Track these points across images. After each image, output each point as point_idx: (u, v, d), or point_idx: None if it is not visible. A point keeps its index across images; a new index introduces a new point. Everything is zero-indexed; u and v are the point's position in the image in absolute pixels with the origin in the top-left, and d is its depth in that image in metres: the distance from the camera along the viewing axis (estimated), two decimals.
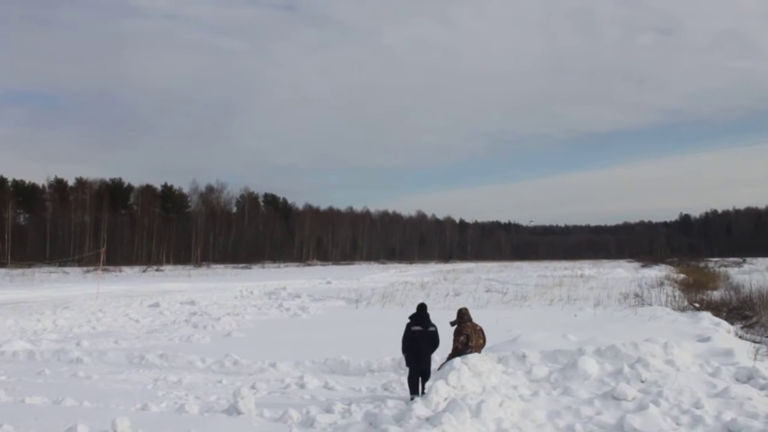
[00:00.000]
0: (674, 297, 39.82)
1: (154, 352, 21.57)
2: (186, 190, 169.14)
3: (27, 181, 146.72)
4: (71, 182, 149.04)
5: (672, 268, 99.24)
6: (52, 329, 29.80)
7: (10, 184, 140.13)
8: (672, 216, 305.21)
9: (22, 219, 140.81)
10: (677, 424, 12.30)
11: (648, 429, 11.96)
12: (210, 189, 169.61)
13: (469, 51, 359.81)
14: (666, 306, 34.38)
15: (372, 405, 14.56)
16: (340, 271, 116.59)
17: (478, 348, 15.86)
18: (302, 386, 17.20)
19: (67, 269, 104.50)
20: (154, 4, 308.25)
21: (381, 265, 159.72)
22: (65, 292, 56.60)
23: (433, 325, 15.52)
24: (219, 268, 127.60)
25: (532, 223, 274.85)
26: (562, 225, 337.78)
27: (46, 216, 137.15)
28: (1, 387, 16.93)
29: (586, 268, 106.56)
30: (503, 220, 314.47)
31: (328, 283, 69.48)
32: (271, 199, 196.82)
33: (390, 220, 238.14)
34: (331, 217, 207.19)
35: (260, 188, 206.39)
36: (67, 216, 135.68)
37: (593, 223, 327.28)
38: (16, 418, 13.61)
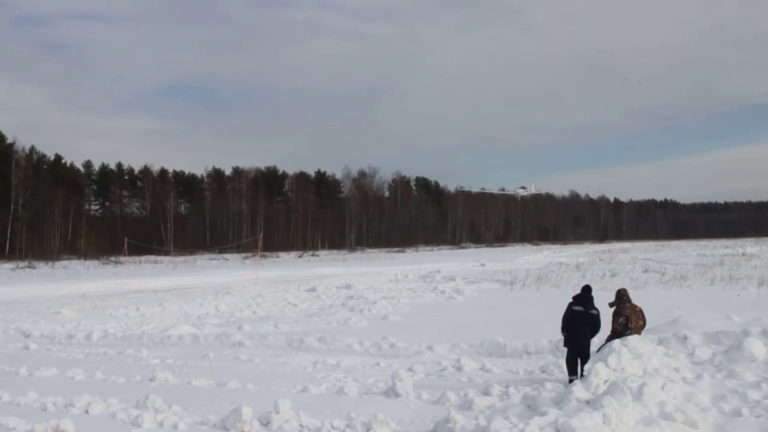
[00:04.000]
0: None
1: (312, 335, 21.93)
2: (339, 176, 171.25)
3: (186, 172, 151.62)
4: (228, 172, 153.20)
5: None
6: (215, 314, 30.73)
7: (170, 175, 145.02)
8: None
9: (183, 208, 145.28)
10: None
11: None
12: (362, 174, 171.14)
13: (620, 25, 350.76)
14: None
15: (530, 387, 14.42)
16: (493, 253, 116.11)
17: (638, 329, 15.47)
18: (459, 369, 17.18)
19: (226, 256, 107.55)
20: None
21: (534, 247, 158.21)
22: (226, 278, 58.29)
23: (596, 309, 15.22)
24: (373, 253, 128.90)
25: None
26: (722, 202, 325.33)
27: (206, 205, 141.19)
28: (169, 369, 17.55)
29: (748, 246, 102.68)
30: (659, 197, 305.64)
31: (482, 265, 69.31)
32: (423, 183, 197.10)
33: (543, 201, 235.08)
34: (483, 199, 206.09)
35: (412, 172, 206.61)
36: (225, 204, 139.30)
37: (755, 198, 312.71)
38: (184, 399, 14.10)
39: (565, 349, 15.36)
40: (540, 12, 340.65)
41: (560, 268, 55.81)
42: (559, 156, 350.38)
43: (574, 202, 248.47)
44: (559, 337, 15.83)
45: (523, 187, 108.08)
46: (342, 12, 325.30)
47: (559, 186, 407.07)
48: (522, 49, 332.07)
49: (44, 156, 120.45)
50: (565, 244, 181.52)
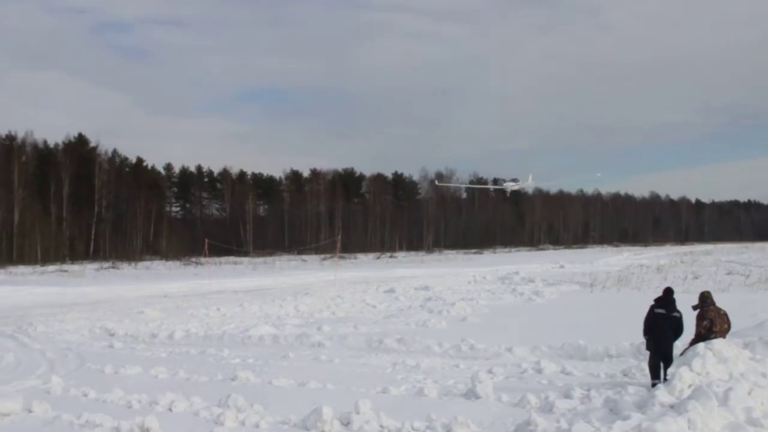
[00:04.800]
0: None
1: (391, 336, 21.99)
2: (416, 177, 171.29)
3: (265, 174, 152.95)
4: (306, 173, 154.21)
5: None
6: (294, 314, 31.00)
7: (249, 177, 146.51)
8: None
9: (261, 210, 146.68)
10: None
11: None
12: (439, 176, 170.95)
13: (698, 22, 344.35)
14: None
15: (612, 391, 14.23)
16: (572, 254, 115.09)
17: (723, 333, 15.17)
18: (539, 371, 17.06)
19: (305, 257, 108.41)
20: None
21: (614, 248, 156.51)
22: (304, 279, 58.80)
23: (678, 311, 14.95)
24: (450, 254, 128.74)
25: None
26: None
27: (284, 206, 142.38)
28: (250, 369, 17.75)
29: None
30: (742, 198, 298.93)
31: (561, 267, 68.70)
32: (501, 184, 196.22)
33: (622, 201, 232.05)
34: (562, 200, 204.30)
35: (489, 173, 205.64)
36: (303, 206, 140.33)
37: None
38: (265, 399, 14.25)
39: (648, 353, 15.13)
40: (617, 11, 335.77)
41: (641, 270, 55.05)
42: (638, 156, 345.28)
43: (654, 203, 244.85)
44: (641, 340, 15.61)
45: (514, 180, 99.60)
46: (418, 14, 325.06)
47: (638, 187, 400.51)
48: (599, 48, 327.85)
49: (126, 159, 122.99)
50: (645, 245, 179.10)
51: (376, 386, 15.61)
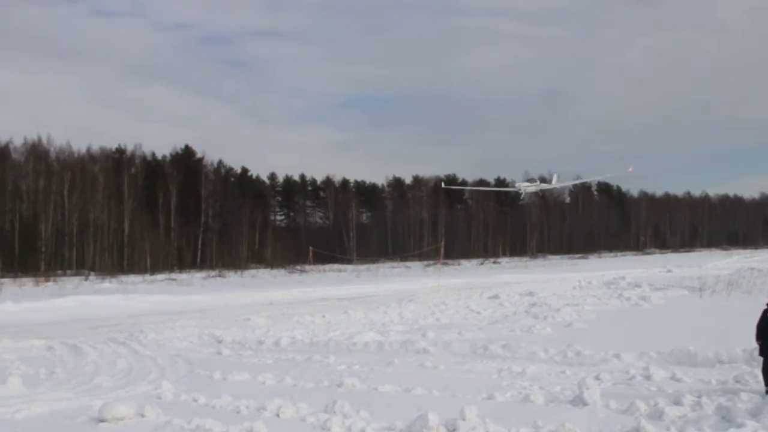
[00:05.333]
0: None
1: (496, 342, 21.86)
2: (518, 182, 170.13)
3: (367, 181, 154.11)
4: (408, 180, 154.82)
5: None
6: (399, 321, 31.08)
7: (352, 185, 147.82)
8: None
9: (364, 217, 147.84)
10: None
11: None
12: (542, 180, 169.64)
13: None
14: None
15: (724, 398, 13.89)
16: (679, 258, 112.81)
17: None
18: (648, 377, 16.74)
19: (408, 263, 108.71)
20: (476, 1, 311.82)
21: (723, 251, 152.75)
22: (408, 285, 58.92)
23: None
24: (555, 259, 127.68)
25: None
26: None
27: (386, 213, 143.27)
28: (356, 375, 17.87)
29: None
30: None
31: (669, 271, 67.42)
32: (605, 188, 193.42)
33: (731, 203, 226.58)
34: (668, 203, 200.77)
35: (592, 176, 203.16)
36: (406, 213, 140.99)
37: None
38: (371, 405, 14.31)
39: (761, 359, 14.73)
40: (726, 7, 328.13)
41: (752, 274, 53.53)
42: (748, 157, 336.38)
43: (765, 204, 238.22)
44: (754, 345, 15.19)
45: (531, 180, 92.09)
46: (516, 17, 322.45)
47: (747, 188, 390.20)
48: (706, 46, 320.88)
49: (231, 169, 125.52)
50: (756, 248, 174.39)
51: (482, 392, 15.54)
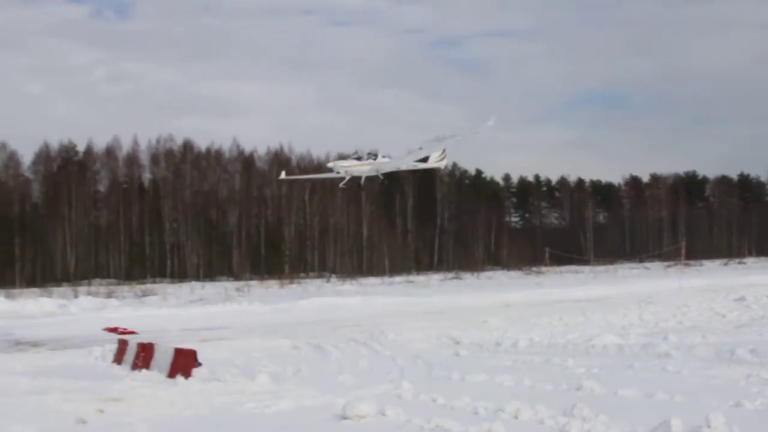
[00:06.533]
0: None
1: (744, 347, 20.91)
2: (764, 178, 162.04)
3: (603, 181, 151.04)
4: (645, 178, 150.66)
5: None
6: (638, 323, 30.41)
7: (588, 184, 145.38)
8: None
9: (601, 217, 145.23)
10: None
11: None
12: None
13: None
14: None
15: None
16: None
17: None
18: None
19: (647, 264, 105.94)
20: None
21: None
22: (648, 287, 57.47)
23: None
24: None
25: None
26: None
27: (624, 213, 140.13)
28: (595, 379, 17.59)
29: None
30: None
31: None
32: None
33: None
34: None
35: None
36: (644, 212, 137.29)
37: None
38: (610, 409, 14.05)
39: None
40: None
41: None
42: None
43: None
44: None
45: (358, 156, 44.56)
46: (760, 1, 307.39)
47: None
48: None
49: (466, 171, 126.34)
50: None
51: (728, 399, 14.92)
